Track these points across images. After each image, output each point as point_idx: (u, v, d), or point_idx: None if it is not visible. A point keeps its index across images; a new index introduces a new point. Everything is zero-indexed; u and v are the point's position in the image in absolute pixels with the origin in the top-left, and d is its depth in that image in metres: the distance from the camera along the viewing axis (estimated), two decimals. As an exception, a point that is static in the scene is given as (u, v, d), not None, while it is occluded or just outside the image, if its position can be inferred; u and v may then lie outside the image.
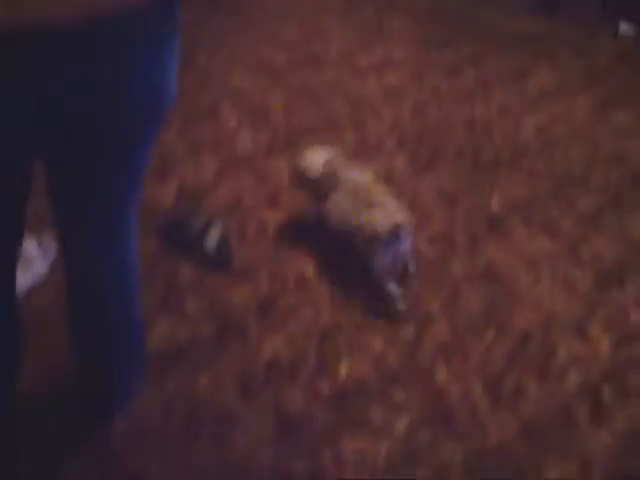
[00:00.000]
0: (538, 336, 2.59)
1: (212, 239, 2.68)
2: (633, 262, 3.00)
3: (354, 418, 2.26)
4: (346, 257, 2.72)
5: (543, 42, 4.68)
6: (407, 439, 2.22)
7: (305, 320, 2.53)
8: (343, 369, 2.39)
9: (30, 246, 2.56)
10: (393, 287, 2.57)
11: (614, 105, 4.08)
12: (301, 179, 2.76)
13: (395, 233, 2.48)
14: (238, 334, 2.46)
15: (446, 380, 2.40)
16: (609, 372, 2.53)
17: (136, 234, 1.80)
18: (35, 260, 2.55)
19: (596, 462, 2.25)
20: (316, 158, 2.72)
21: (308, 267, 2.72)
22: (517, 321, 2.64)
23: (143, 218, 2.83)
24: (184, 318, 2.49)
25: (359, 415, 2.27)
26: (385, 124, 3.55)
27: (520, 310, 2.68)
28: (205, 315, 2.51)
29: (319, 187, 2.70)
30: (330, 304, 2.60)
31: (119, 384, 2.00)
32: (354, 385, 2.35)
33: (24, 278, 2.49)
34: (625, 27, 5.08)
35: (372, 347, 2.46)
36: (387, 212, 2.50)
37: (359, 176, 2.66)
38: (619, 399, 2.45)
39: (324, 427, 2.23)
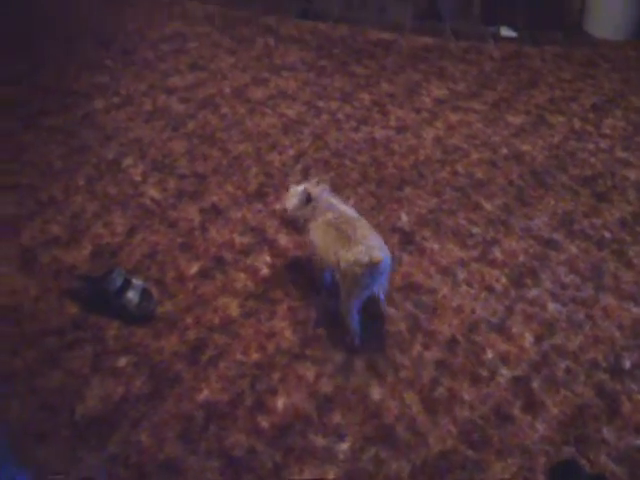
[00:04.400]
0: (464, 341, 2.66)
1: (133, 294, 2.68)
2: (544, 256, 3.10)
3: (298, 448, 2.29)
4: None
5: (430, 57, 4.80)
6: (352, 461, 2.26)
7: (236, 360, 2.55)
8: (280, 403, 2.41)
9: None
10: (355, 324, 2.59)
11: (505, 107, 4.21)
12: (283, 215, 2.78)
13: (370, 269, 2.46)
14: (172, 383, 2.47)
15: (381, 397, 2.45)
16: (536, 364, 2.62)
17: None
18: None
19: (536, 452, 2.33)
20: (294, 192, 2.72)
21: (232, 307, 2.74)
22: (441, 329, 2.70)
23: (61, 283, 2.82)
24: (116, 375, 2.49)
25: (302, 445, 2.30)
26: (288, 156, 3.60)
27: (443, 318, 2.75)
28: (137, 369, 2.51)
29: (298, 219, 2.72)
30: (258, 341, 2.63)
31: None
32: (293, 416, 2.38)
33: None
34: (506, 31, 5.25)
35: (305, 377, 2.50)
36: (365, 248, 2.47)
37: (342, 208, 2.68)
38: (549, 388, 2.54)
39: (270, 462, 2.25)
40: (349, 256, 2.45)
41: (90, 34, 4.89)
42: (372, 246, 2.47)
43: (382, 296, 2.71)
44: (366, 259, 2.42)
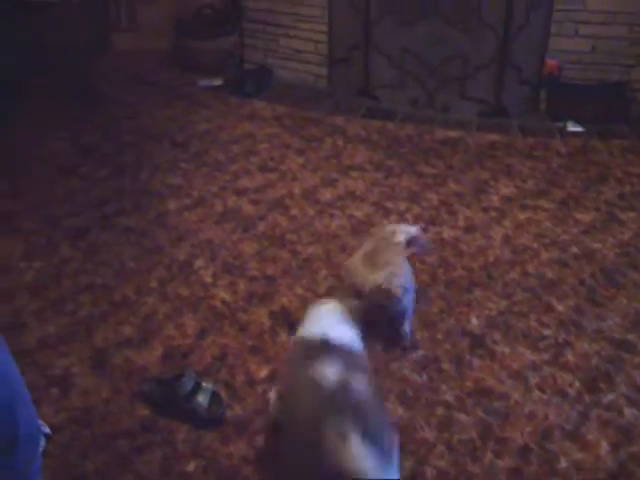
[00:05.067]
0: (537, 449, 2.61)
1: (203, 397, 2.70)
2: (619, 359, 3.04)
3: None
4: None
5: (497, 155, 4.83)
6: None
7: (305, 467, 2.53)
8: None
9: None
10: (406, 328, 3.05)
11: (574, 205, 4.19)
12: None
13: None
14: (241, 489, 2.46)
15: (453, 507, 2.41)
16: (613, 474, 2.54)
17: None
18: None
19: None
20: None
21: (301, 412, 2.73)
22: (514, 437, 2.65)
23: (133, 384, 2.86)
24: (186, 480, 2.50)
25: None
26: (357, 258, 3.63)
27: (515, 425, 2.70)
28: (205, 474, 2.51)
29: None
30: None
31: None
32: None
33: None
34: (572, 125, 5.27)
35: (375, 485, 2.46)
36: (387, 274, 2.88)
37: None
38: (628, 500, 2.46)
39: None
40: (372, 280, 2.87)
41: (166, 136, 5.05)
42: (393, 273, 2.89)
43: (407, 327, 3.08)
44: (385, 285, 2.83)
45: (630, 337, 3.16)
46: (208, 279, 3.50)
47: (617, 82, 5.45)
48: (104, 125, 5.26)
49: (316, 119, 5.36)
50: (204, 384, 2.76)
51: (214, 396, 2.74)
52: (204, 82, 6.11)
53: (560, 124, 5.33)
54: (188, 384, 2.73)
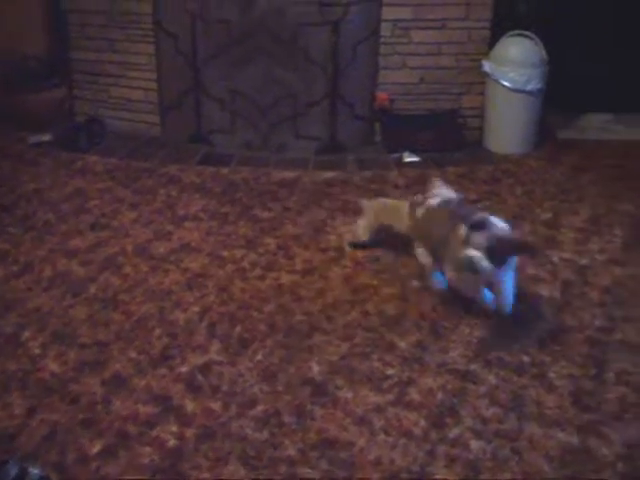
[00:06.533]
0: (384, 497, 2.54)
1: (30, 485, 2.52)
2: (463, 391, 3.02)
3: None
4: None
5: (334, 192, 4.83)
6: None
7: None
8: None
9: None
10: None
11: (413, 236, 4.21)
12: None
13: None
14: None
15: None
16: (465, 512, 2.51)
17: None
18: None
19: None
20: None
21: (138, 486, 2.59)
22: (361, 487, 2.58)
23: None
24: None
25: None
26: (193, 312, 3.51)
27: (362, 474, 2.62)
28: None
29: None
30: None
31: None
32: None
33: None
34: (409, 156, 5.35)
35: None
36: None
37: None
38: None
39: None
40: None
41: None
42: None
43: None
44: None
45: (473, 367, 3.16)
46: (37, 350, 3.29)
47: (449, 110, 5.59)
48: None
49: (150, 169, 5.24)
50: (30, 469, 2.56)
51: (42, 480, 2.56)
52: (34, 138, 5.87)
53: (396, 155, 5.40)
54: (12, 471, 2.53)
